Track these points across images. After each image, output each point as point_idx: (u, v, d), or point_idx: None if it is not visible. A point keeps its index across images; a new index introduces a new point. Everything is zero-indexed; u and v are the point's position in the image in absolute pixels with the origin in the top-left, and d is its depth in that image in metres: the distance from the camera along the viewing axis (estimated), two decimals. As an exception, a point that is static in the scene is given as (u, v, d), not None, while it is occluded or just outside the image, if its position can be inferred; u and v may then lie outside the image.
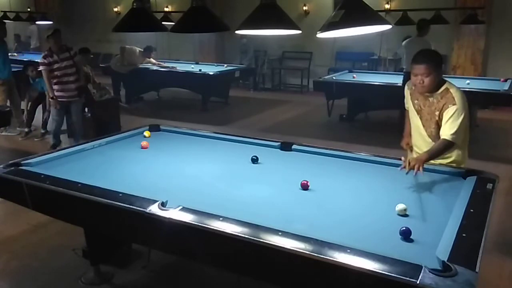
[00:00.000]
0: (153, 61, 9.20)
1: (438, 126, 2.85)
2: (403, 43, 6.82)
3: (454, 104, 2.75)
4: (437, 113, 2.85)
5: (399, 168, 2.68)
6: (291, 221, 2.12)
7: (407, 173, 2.60)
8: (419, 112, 3.00)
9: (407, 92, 3.14)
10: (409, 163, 2.61)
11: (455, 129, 2.72)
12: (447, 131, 2.74)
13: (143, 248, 3.27)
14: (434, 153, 2.71)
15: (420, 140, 3.05)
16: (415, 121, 3.06)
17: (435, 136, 2.89)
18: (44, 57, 5.66)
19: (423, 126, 2.99)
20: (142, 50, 8.96)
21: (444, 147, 2.74)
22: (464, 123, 2.74)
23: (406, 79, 6.51)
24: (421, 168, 2.57)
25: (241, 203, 2.39)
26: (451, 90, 2.81)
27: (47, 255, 3.48)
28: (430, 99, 2.88)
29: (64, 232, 3.58)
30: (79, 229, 2.94)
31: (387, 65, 9.52)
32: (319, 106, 8.32)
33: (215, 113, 8.53)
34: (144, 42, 9.41)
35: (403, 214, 2.23)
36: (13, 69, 7.04)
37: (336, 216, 2.27)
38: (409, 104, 3.12)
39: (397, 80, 6.62)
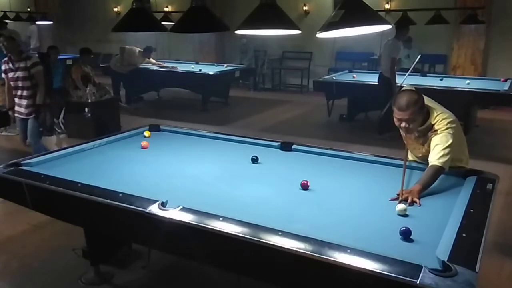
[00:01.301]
0: (153, 61, 9.20)
1: (426, 152, 2.76)
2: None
3: (436, 134, 2.68)
4: (425, 144, 2.78)
5: (389, 199, 2.44)
6: (291, 221, 2.12)
7: (398, 203, 2.34)
8: (405, 139, 2.92)
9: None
10: (403, 194, 2.42)
11: (441, 154, 2.60)
12: (433, 157, 2.63)
13: (143, 248, 3.27)
14: (427, 183, 2.53)
15: (412, 156, 3.02)
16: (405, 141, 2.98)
17: (426, 158, 2.77)
18: (4, 62, 4.93)
19: (410, 151, 2.95)
20: (142, 50, 8.96)
21: (434, 174, 2.58)
22: (452, 145, 2.62)
23: (380, 78, 6.57)
24: (416, 199, 2.38)
25: (241, 203, 2.39)
26: (435, 125, 2.71)
27: (47, 255, 3.48)
28: (416, 133, 2.80)
29: (64, 232, 3.58)
30: (79, 229, 2.94)
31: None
32: (319, 106, 8.32)
33: (215, 113, 8.53)
34: (144, 42, 9.42)
35: (403, 214, 2.22)
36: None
37: (336, 216, 2.27)
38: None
39: (397, 80, 6.59)
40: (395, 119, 2.72)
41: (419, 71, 8.38)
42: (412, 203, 2.38)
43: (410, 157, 3.05)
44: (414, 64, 6.22)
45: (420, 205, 2.37)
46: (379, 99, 6.55)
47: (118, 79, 9.03)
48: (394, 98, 2.78)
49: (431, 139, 2.70)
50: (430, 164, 2.62)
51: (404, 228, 1.98)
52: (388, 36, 6.62)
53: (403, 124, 2.67)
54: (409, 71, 6.21)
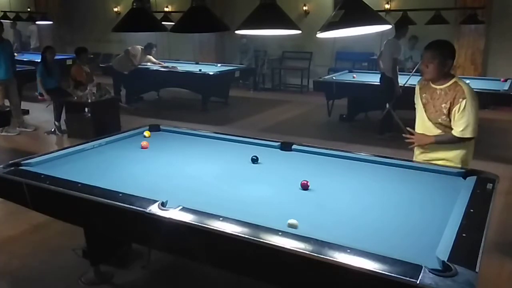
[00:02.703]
0: (153, 59, 9.17)
1: (447, 117, 2.92)
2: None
3: (464, 98, 2.83)
4: (444, 105, 2.92)
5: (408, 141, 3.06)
6: (291, 221, 2.12)
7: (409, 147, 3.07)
8: (425, 105, 3.06)
9: (416, 89, 3.20)
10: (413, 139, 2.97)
11: (465, 125, 2.83)
12: (457, 127, 2.86)
13: (143, 248, 3.27)
14: (443, 142, 2.93)
15: (426, 132, 3.09)
16: (420, 115, 3.13)
17: (445, 126, 2.97)
18: None
19: (429, 118, 3.03)
20: (143, 48, 8.95)
21: (454, 141, 2.92)
22: (475, 115, 2.84)
23: (382, 78, 6.58)
24: (422, 144, 3.00)
25: (241, 203, 2.39)
26: (461, 83, 2.90)
27: (47, 255, 3.48)
28: (438, 91, 2.96)
29: (64, 232, 3.58)
30: (79, 229, 2.94)
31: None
32: (319, 106, 8.32)
33: (215, 113, 8.53)
34: (144, 42, 9.39)
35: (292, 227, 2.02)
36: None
37: (336, 216, 2.27)
38: (417, 100, 3.18)
39: (400, 80, 6.59)
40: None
41: (419, 71, 8.39)
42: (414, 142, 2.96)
43: (416, 158, 3.10)
44: (418, 65, 6.25)
45: (412, 145, 3.06)
46: (380, 99, 6.55)
47: (118, 79, 9.02)
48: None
49: (456, 104, 2.84)
50: (453, 133, 2.89)
51: None
52: (388, 36, 6.62)
53: (424, 65, 2.94)
54: (414, 70, 6.27)
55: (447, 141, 2.95)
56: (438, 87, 2.97)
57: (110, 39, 11.89)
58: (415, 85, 3.28)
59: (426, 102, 3.05)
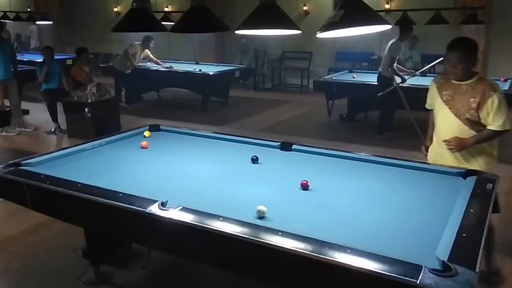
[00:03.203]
0: (152, 56, 9.12)
1: (476, 111, 2.88)
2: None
3: (495, 91, 2.82)
4: (472, 99, 2.88)
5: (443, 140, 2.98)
6: (291, 221, 2.12)
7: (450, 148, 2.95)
8: (448, 102, 3.00)
9: (433, 87, 3.13)
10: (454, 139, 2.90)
11: (504, 117, 2.83)
12: (496, 122, 2.85)
13: (143, 248, 3.27)
14: (481, 140, 2.93)
15: (451, 130, 3.01)
16: (442, 113, 3.05)
17: (472, 122, 2.93)
18: None
19: (455, 115, 2.97)
20: (141, 43, 8.91)
21: (493, 136, 2.94)
22: (507, 107, 2.86)
23: (379, 77, 6.58)
24: (459, 148, 2.91)
25: (241, 203, 2.39)
26: (486, 78, 2.93)
27: (47, 255, 3.48)
28: (464, 87, 2.93)
29: (64, 232, 3.58)
30: (79, 229, 2.94)
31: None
32: (319, 106, 8.32)
33: (215, 113, 8.53)
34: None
35: (261, 216, 2.12)
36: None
37: (336, 216, 2.27)
38: (435, 99, 3.09)
39: (397, 80, 6.60)
40: (446, 63, 2.98)
41: (422, 73, 8.38)
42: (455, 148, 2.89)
43: (430, 159, 3.11)
44: (430, 64, 6.30)
45: (452, 149, 2.93)
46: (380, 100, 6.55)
47: (120, 79, 9.00)
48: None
49: (487, 98, 2.82)
50: (490, 128, 2.88)
51: None
52: (388, 36, 6.61)
53: (450, 65, 2.91)
54: (419, 71, 6.32)
55: (485, 139, 2.94)
56: (463, 83, 2.93)
57: (110, 39, 11.88)
58: (416, 85, 3.26)
59: (450, 99, 2.98)
